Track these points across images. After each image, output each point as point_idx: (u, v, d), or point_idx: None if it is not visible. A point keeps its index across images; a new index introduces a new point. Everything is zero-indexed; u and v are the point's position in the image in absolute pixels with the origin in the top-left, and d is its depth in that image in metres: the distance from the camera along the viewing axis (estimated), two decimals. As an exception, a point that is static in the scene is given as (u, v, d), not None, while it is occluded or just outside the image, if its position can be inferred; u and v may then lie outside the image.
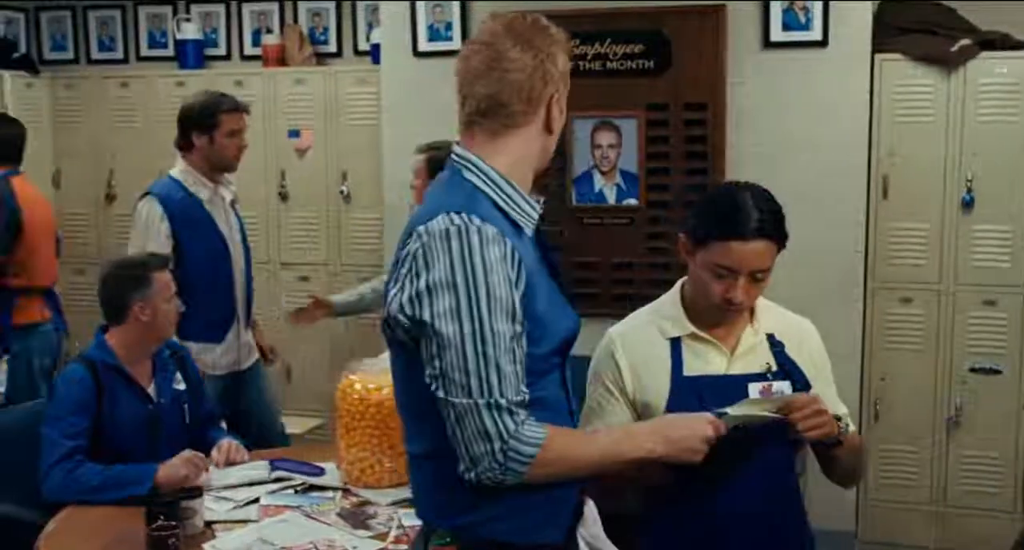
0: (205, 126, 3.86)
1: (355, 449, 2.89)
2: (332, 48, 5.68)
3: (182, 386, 3.25)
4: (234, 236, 4.03)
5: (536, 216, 1.82)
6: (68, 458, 2.89)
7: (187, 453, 2.97)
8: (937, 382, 4.33)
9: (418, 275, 1.66)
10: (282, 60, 5.56)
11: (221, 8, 5.85)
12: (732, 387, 2.12)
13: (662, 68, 4.34)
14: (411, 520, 2.51)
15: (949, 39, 4.25)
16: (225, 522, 2.70)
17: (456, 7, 4.63)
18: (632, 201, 4.42)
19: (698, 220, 2.15)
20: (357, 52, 5.63)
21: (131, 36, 6.04)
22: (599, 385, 2.24)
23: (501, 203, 1.77)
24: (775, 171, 3.90)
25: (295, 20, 5.72)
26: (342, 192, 5.25)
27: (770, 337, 2.23)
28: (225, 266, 3.96)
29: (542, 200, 1.84)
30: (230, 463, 3.11)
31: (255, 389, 4.12)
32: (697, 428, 1.82)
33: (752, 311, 2.23)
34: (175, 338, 3.36)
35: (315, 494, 2.89)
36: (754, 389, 2.13)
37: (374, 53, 5.23)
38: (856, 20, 4.20)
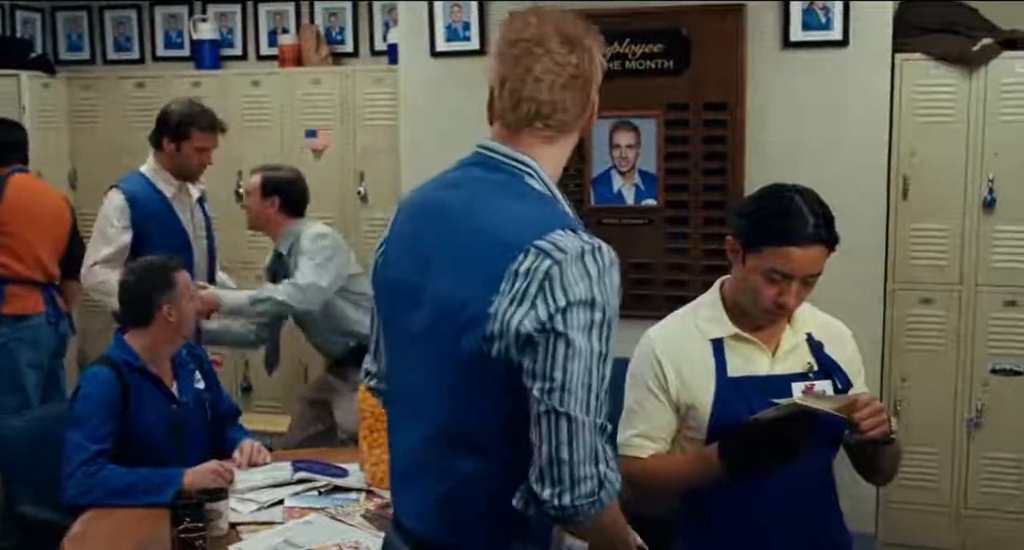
0: (177, 135, 4.05)
1: (378, 450, 2.88)
2: (348, 48, 5.68)
3: (202, 385, 3.26)
4: (198, 232, 4.23)
5: None
6: (91, 462, 2.87)
7: (213, 463, 2.98)
8: (958, 383, 4.31)
9: (554, 291, 1.58)
10: (298, 60, 5.56)
11: (237, 8, 5.85)
12: (777, 387, 2.12)
13: (681, 68, 4.32)
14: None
15: (970, 38, 4.23)
16: (250, 524, 2.70)
17: (474, 7, 4.61)
18: (651, 201, 4.41)
19: (751, 225, 2.13)
20: (374, 52, 5.62)
21: (147, 36, 6.05)
22: (640, 386, 2.22)
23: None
24: (794, 171, 3.81)
25: (311, 20, 5.72)
26: (359, 193, 5.25)
27: (809, 337, 2.22)
28: (186, 260, 3.99)
29: None
30: (252, 464, 3.11)
31: None
32: None
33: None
34: None
35: (339, 496, 2.89)
36: (797, 389, 2.14)
37: (391, 53, 5.23)
38: (876, 19, 4.18)
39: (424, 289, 1.72)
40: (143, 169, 4.14)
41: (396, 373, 1.85)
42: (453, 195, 1.75)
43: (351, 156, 5.30)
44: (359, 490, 2.91)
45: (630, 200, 4.43)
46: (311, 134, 5.35)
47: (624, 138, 4.41)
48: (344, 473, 2.99)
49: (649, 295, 4.38)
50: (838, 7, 4.18)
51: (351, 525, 2.65)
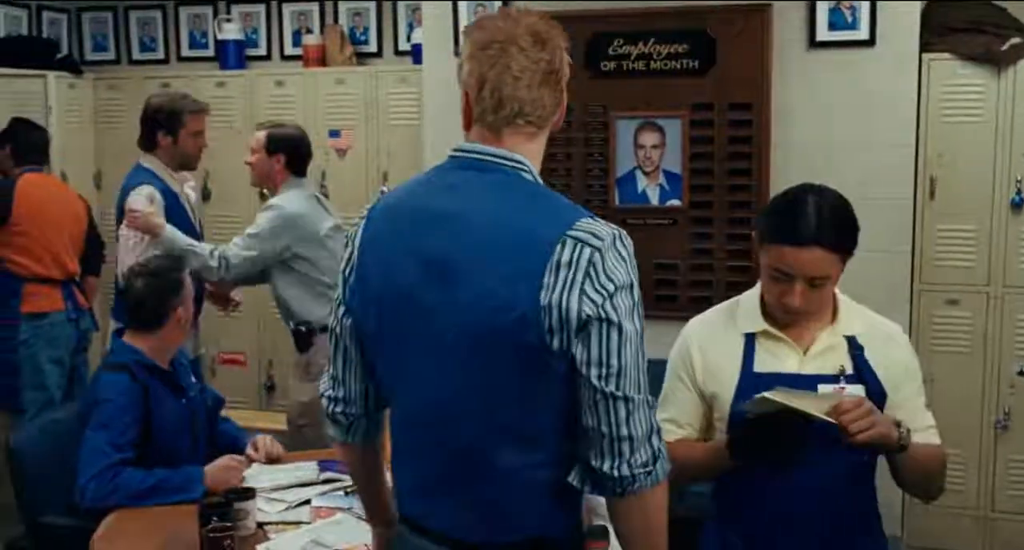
0: (171, 126, 4.05)
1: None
2: (372, 48, 5.69)
3: (194, 379, 3.31)
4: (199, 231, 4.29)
5: None
6: (112, 466, 2.85)
7: (226, 459, 3.00)
8: (985, 386, 4.28)
9: (599, 277, 1.65)
10: (322, 60, 5.58)
11: (262, 8, 5.88)
12: (802, 386, 2.10)
13: (706, 68, 4.31)
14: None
15: (998, 38, 4.19)
16: (277, 523, 2.71)
17: (498, 7, 4.60)
18: (675, 202, 4.40)
19: (763, 220, 2.15)
20: (397, 52, 5.64)
21: (172, 37, 6.09)
22: (673, 373, 2.29)
23: None
24: (821, 172, 3.79)
25: (335, 20, 5.73)
26: (382, 192, 5.26)
27: (851, 339, 2.19)
28: None
29: None
30: (272, 460, 3.12)
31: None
32: None
33: (835, 311, 2.20)
34: None
35: (365, 496, 2.88)
36: (824, 390, 2.11)
37: (415, 53, 5.24)
38: (904, 19, 4.15)
39: (442, 298, 1.70)
40: (149, 168, 4.10)
41: (410, 389, 1.80)
42: (453, 200, 1.75)
43: (375, 156, 5.31)
44: (385, 490, 2.91)
45: (655, 200, 4.42)
46: (335, 134, 5.37)
47: (649, 138, 4.40)
48: (370, 473, 2.99)
49: (673, 295, 4.37)
50: (865, 7, 4.16)
51: (378, 525, 2.65)
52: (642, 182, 4.43)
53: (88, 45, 6.24)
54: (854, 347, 2.18)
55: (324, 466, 3.04)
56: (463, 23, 4.66)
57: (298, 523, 2.70)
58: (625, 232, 1.72)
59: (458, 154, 1.80)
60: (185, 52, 6.07)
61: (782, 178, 4.11)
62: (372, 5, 5.68)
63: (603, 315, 1.64)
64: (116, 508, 2.80)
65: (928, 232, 4.29)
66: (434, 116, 4.75)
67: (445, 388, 1.74)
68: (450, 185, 1.78)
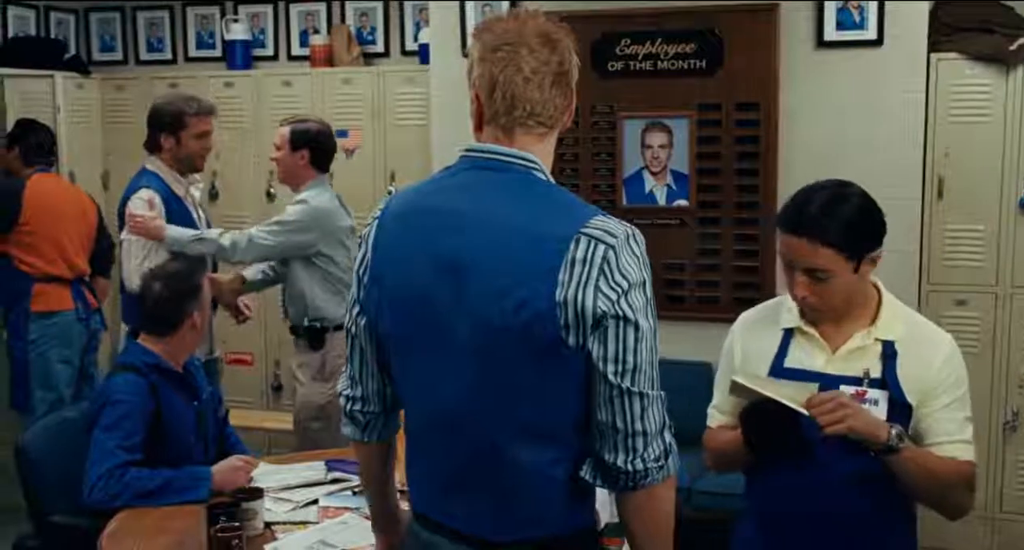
0: (173, 128, 4.00)
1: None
2: (380, 48, 5.69)
3: (204, 381, 3.31)
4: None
5: None
6: (119, 467, 2.84)
7: (234, 459, 3.01)
8: (993, 386, 4.27)
9: (614, 275, 1.66)
10: (330, 60, 5.58)
11: (269, 9, 5.88)
12: (824, 386, 2.13)
13: (714, 68, 4.31)
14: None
15: (1007, 37, 4.18)
16: (285, 523, 2.71)
17: (505, 7, 4.61)
18: (683, 202, 4.40)
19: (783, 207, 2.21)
20: (405, 52, 5.63)
21: (179, 37, 6.09)
22: (722, 361, 2.37)
23: None
24: (828, 172, 3.74)
25: (343, 20, 5.73)
26: (390, 192, 5.26)
27: (887, 344, 2.16)
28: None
29: None
30: None
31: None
32: None
33: (877, 313, 2.19)
34: None
35: (372, 496, 2.88)
36: (846, 392, 2.11)
37: (422, 53, 5.24)
38: (911, 19, 4.15)
39: (457, 297, 1.70)
40: (153, 170, 4.05)
41: (426, 388, 1.80)
42: (467, 199, 1.75)
43: (382, 156, 5.31)
44: (393, 490, 2.91)
45: (662, 200, 4.42)
46: (342, 134, 5.35)
47: (656, 138, 4.40)
48: (377, 473, 2.99)
49: (681, 296, 4.37)
50: (872, 6, 4.16)
51: (385, 525, 2.65)
52: (649, 182, 4.43)
53: (96, 45, 6.25)
54: (887, 352, 2.15)
55: (332, 466, 3.04)
56: (470, 23, 4.67)
57: (305, 523, 2.70)
58: (638, 230, 1.72)
59: (471, 154, 1.80)
60: (192, 52, 6.07)
61: (790, 178, 4.11)
62: (379, 5, 5.68)
63: (618, 312, 1.66)
64: (124, 508, 2.79)
65: (936, 232, 4.28)
66: (441, 116, 4.75)
67: (461, 386, 1.74)
68: (463, 185, 1.78)
